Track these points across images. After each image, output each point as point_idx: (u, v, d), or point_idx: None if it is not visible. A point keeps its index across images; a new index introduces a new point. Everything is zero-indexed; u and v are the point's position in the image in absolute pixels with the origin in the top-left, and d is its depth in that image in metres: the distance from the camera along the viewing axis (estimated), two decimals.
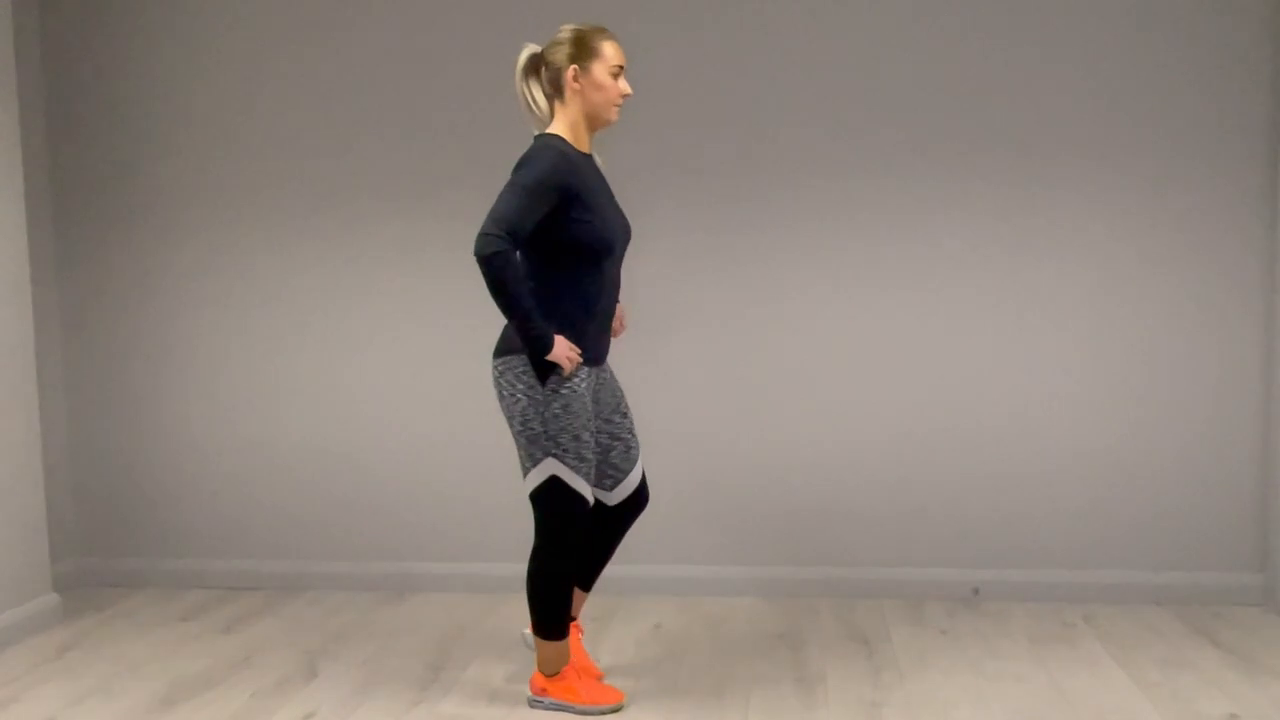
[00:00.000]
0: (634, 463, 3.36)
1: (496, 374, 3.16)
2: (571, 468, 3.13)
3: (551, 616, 3.20)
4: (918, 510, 4.26)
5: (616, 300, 3.33)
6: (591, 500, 3.23)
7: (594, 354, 3.22)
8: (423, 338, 4.43)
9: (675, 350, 4.32)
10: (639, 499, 3.39)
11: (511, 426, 3.16)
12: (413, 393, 4.45)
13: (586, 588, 3.45)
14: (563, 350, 3.06)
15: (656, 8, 4.23)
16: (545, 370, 3.09)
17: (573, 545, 3.20)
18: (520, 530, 4.39)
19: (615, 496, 3.36)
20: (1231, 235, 4.08)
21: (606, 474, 3.34)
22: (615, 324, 3.42)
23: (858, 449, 4.27)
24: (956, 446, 4.23)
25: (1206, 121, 4.06)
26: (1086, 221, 4.13)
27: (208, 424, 4.56)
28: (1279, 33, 4.02)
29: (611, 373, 3.38)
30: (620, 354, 4.25)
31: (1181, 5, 4.04)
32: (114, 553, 4.65)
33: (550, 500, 3.15)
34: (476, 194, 4.32)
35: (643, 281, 4.27)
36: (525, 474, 3.18)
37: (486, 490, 4.40)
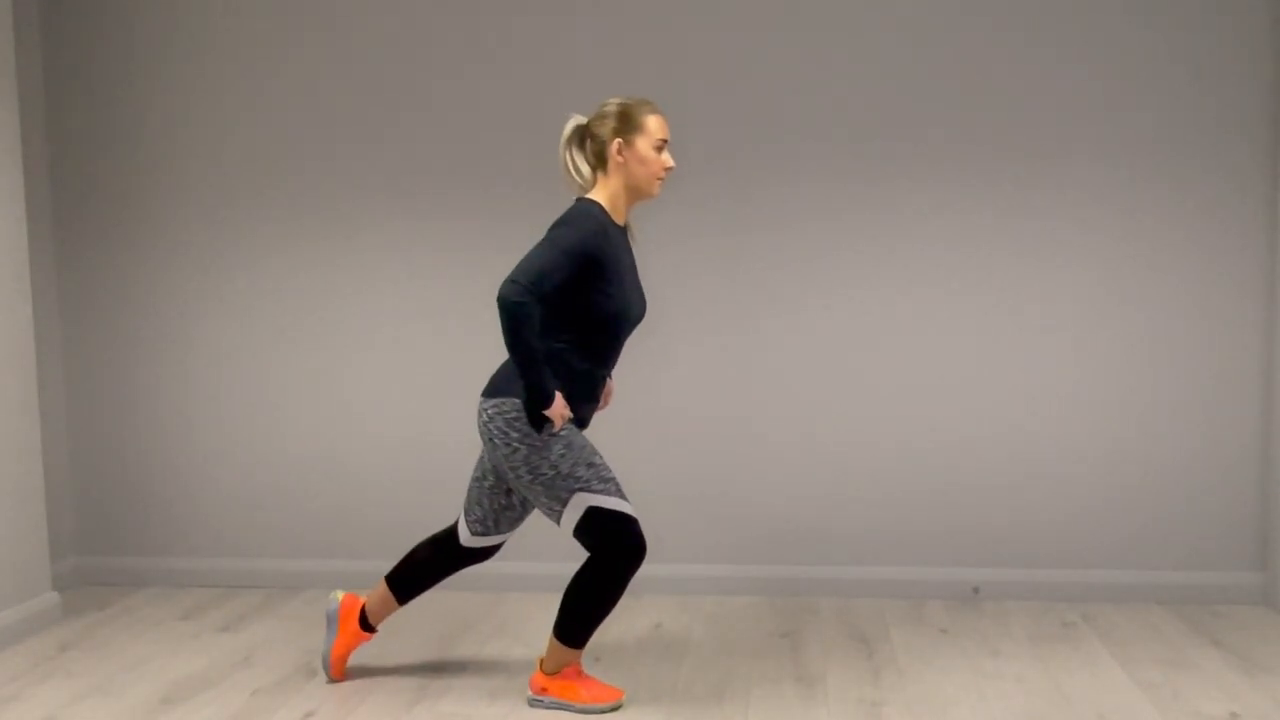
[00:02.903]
0: (514, 528, 3.41)
1: (486, 417, 3.17)
2: (600, 492, 3.14)
3: (583, 628, 3.20)
4: (918, 510, 4.26)
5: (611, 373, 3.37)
6: (635, 513, 3.22)
7: (579, 418, 3.26)
8: (422, 337, 4.43)
9: (677, 349, 4.32)
10: (485, 554, 3.43)
11: (518, 477, 3.16)
12: (412, 392, 4.45)
13: (402, 601, 3.48)
14: (559, 408, 3.09)
15: (660, 11, 4.23)
16: (536, 421, 3.10)
17: (633, 567, 3.17)
18: (520, 529, 4.40)
19: (472, 540, 3.39)
20: (1232, 235, 4.08)
21: (491, 521, 3.36)
22: (602, 399, 3.44)
23: (858, 449, 4.27)
24: (957, 446, 4.23)
25: (1207, 122, 4.06)
26: (1086, 222, 4.14)
27: (208, 423, 4.56)
28: (1279, 32, 4.02)
29: None
30: (622, 353, 4.26)
31: (1182, 5, 4.05)
32: (114, 552, 4.65)
33: (597, 531, 3.15)
34: (475, 195, 4.35)
35: (646, 282, 4.27)
36: (557, 519, 3.17)
37: None
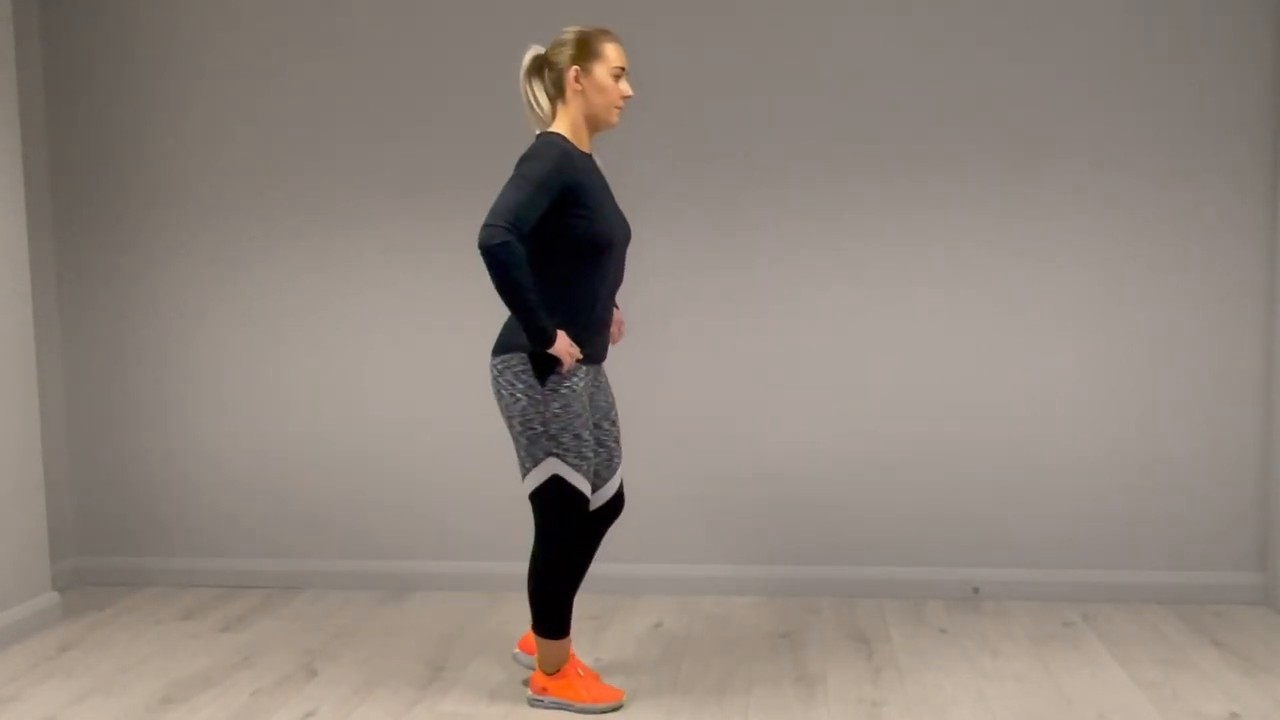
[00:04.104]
0: (615, 471, 3.37)
1: (495, 372, 3.16)
2: (572, 466, 3.14)
3: (553, 615, 3.21)
4: (918, 510, 4.26)
5: (615, 303, 3.34)
6: (591, 498, 3.24)
7: (592, 353, 3.23)
8: (422, 337, 4.43)
9: (676, 350, 4.32)
10: (614, 506, 3.40)
11: (511, 426, 3.17)
12: (412, 392, 4.45)
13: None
14: (564, 346, 3.07)
15: (659, 14, 4.23)
16: (545, 368, 3.09)
17: (574, 543, 3.21)
18: (520, 529, 4.40)
19: (593, 502, 3.37)
20: (1232, 235, 4.08)
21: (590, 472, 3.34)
22: (614, 330, 3.42)
23: (859, 449, 4.27)
24: (957, 446, 4.23)
25: (1207, 122, 4.06)
26: (1087, 222, 4.14)
27: (207, 423, 4.56)
28: (1279, 32, 4.02)
29: (606, 378, 3.38)
30: (621, 352, 4.27)
31: (1182, 5, 4.05)
32: (114, 552, 4.65)
33: (551, 499, 3.16)
34: (476, 193, 4.33)
35: (644, 280, 4.28)
36: (525, 474, 3.18)
37: (486, 489, 4.40)
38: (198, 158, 4.49)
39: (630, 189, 4.25)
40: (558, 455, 3.13)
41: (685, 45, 4.23)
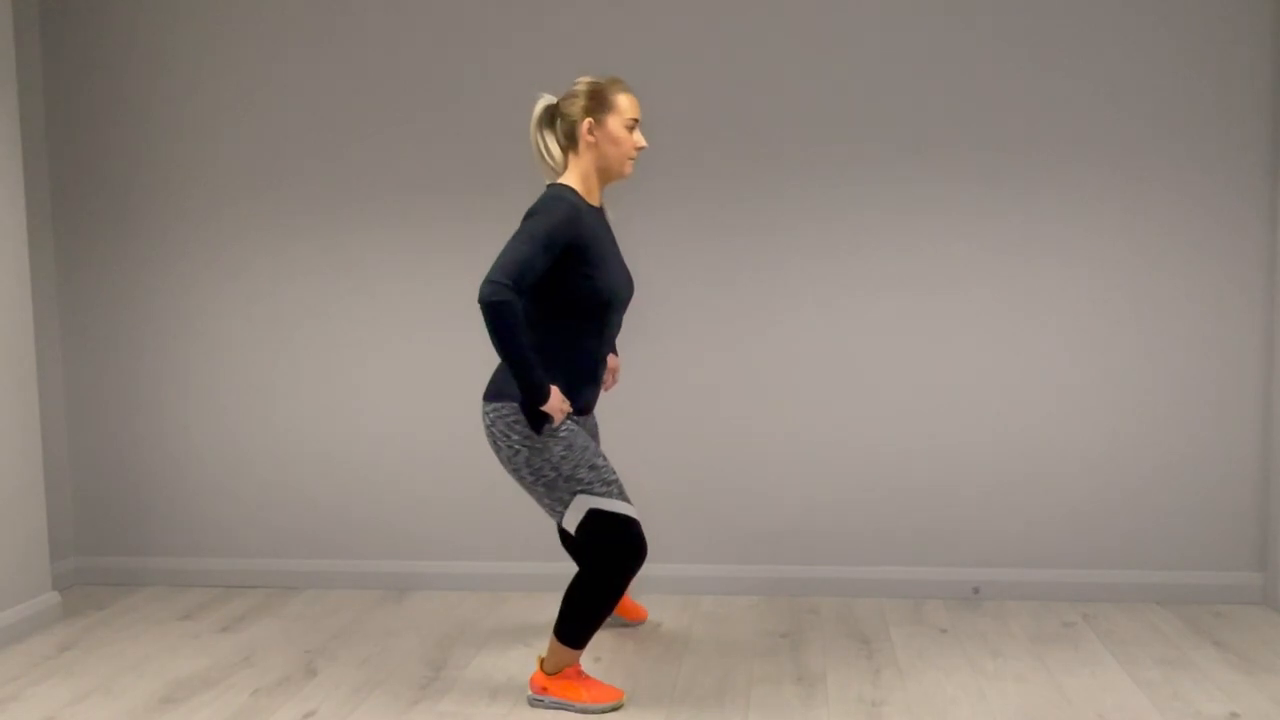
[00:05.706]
0: None
1: (488, 421, 3.17)
2: (602, 495, 3.13)
3: (583, 628, 3.20)
4: (918, 510, 4.26)
5: (612, 351, 3.35)
6: (638, 514, 3.21)
7: (582, 404, 3.26)
8: (422, 338, 4.43)
9: (676, 350, 4.32)
10: None
11: (521, 479, 3.16)
12: (412, 393, 4.45)
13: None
14: (556, 402, 3.07)
15: (659, 16, 4.23)
16: (536, 420, 3.09)
17: (631, 568, 3.16)
18: (520, 529, 4.41)
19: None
20: (1231, 235, 4.08)
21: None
22: (607, 377, 3.43)
23: (858, 449, 4.27)
24: (957, 446, 4.23)
25: (1206, 122, 4.06)
26: (1086, 222, 4.14)
27: (207, 424, 4.56)
28: (1279, 32, 4.02)
29: (594, 416, 3.39)
30: (623, 353, 4.26)
31: (1182, 6, 4.05)
32: (114, 552, 4.65)
33: (599, 532, 3.14)
34: (476, 198, 4.35)
35: (645, 282, 4.28)
36: (559, 518, 3.17)
37: (486, 490, 4.40)
38: (198, 158, 4.49)
39: (629, 191, 4.26)
40: (584, 491, 3.12)
41: (684, 53, 4.23)
